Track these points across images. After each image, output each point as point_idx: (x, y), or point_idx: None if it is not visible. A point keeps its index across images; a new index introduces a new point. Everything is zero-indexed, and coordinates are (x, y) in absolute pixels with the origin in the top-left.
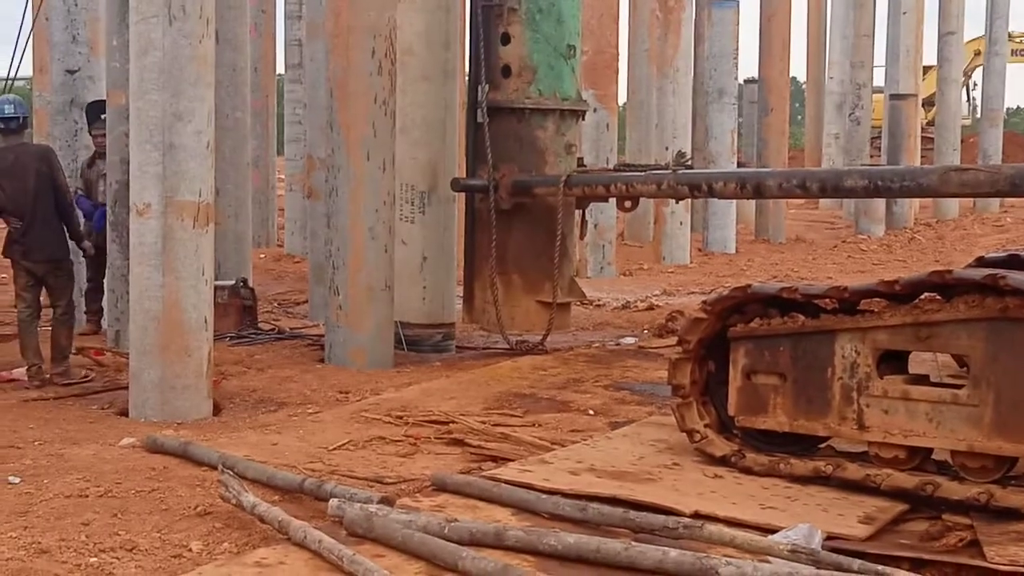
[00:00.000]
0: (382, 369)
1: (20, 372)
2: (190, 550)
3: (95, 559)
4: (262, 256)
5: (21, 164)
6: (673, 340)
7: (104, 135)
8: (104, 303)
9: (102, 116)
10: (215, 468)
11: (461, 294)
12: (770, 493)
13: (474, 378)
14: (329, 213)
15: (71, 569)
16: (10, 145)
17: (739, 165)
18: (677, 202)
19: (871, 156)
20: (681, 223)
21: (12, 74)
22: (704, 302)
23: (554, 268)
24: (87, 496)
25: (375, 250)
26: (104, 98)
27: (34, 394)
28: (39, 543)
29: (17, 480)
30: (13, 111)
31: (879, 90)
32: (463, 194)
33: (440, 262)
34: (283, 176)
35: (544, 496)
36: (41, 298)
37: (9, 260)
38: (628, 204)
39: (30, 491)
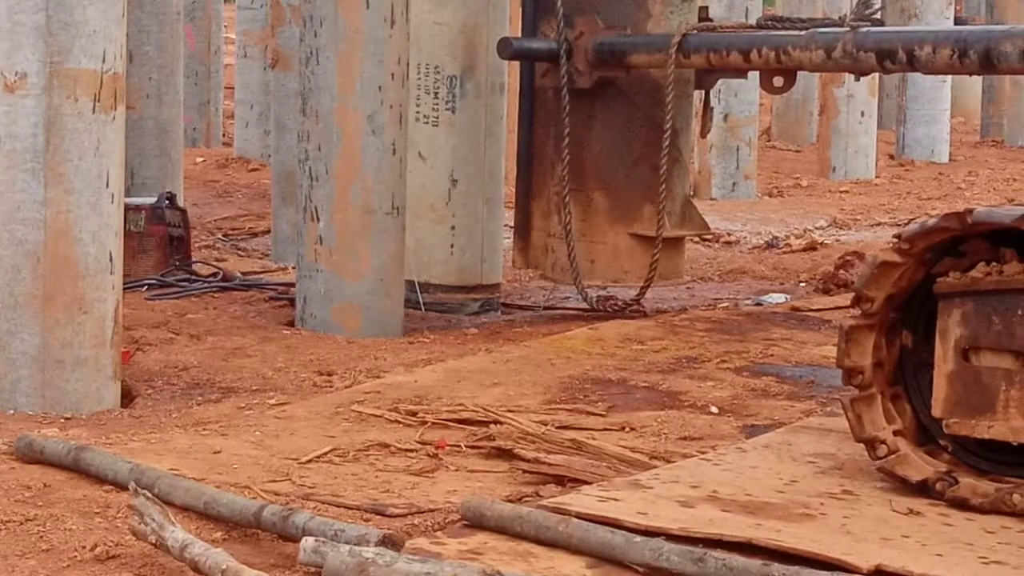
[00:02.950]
0: (386, 338)
1: None
2: None
3: None
4: (200, 160)
5: None
6: (847, 297)
7: None
8: None
9: None
10: (124, 487)
11: (511, 224)
12: (997, 540)
13: (529, 354)
14: (305, 92)
15: None
16: None
17: (957, 22)
18: (857, 79)
19: None
20: (863, 114)
21: None
22: (897, 237)
23: (659, 183)
24: None
25: (377, 151)
26: None
27: None
28: None
29: None
30: None
31: None
32: (515, 69)
33: (478, 188)
34: (232, 35)
35: (638, 539)
36: None
37: None
38: (779, 81)
39: None
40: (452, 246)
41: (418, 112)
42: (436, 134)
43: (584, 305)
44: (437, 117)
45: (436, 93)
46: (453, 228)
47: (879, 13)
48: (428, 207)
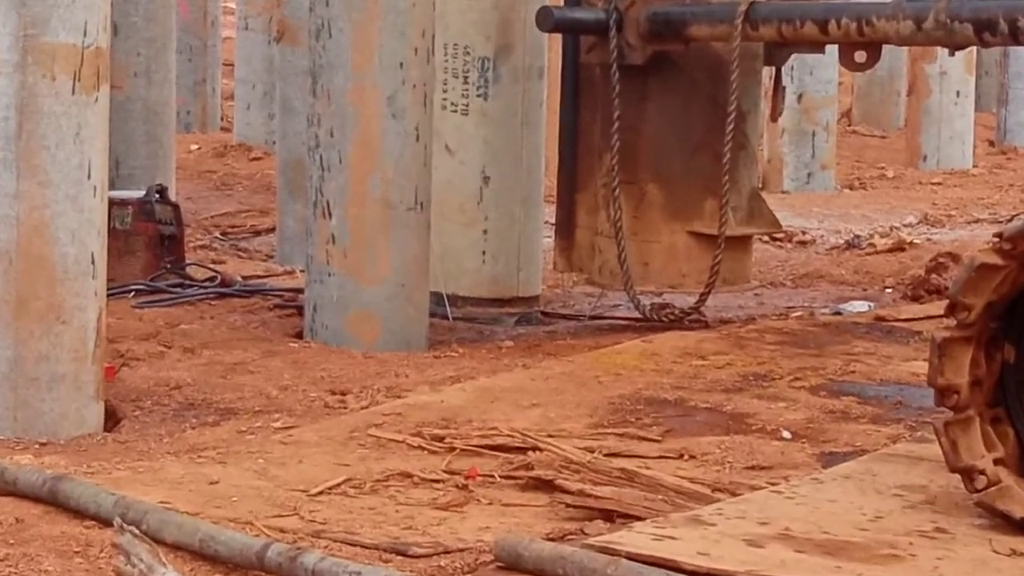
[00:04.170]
0: (408, 351)
1: None
2: None
3: None
4: (195, 147)
5: None
6: (940, 305)
7: None
8: None
9: None
10: (108, 523)
11: (552, 222)
12: None
13: (573, 371)
14: (316, 69)
15: None
16: None
17: None
18: (952, 54)
19: None
20: (958, 95)
21: None
22: (998, 236)
23: (722, 174)
24: None
25: (398, 136)
26: None
27: None
28: None
29: None
30: None
31: None
32: (557, 44)
33: (514, 185)
34: (232, 4)
35: None
36: None
37: None
38: (861, 57)
39: None
40: (484, 253)
41: (445, 99)
42: (465, 124)
43: (636, 314)
44: (467, 105)
45: (466, 77)
46: (485, 232)
47: None
48: (456, 208)
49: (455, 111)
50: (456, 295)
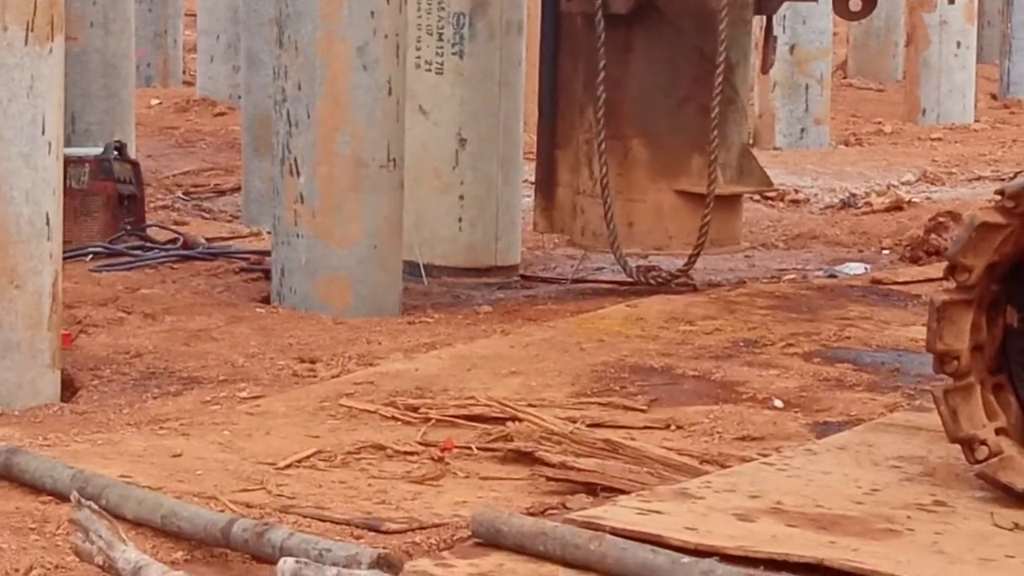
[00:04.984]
0: (381, 317)
1: None
2: None
3: None
4: (155, 102)
5: None
6: (939, 267)
7: None
8: None
9: None
10: (65, 498)
11: (531, 180)
12: None
13: (554, 337)
14: (282, 18)
15: None
16: None
17: None
18: (951, 1)
19: None
20: (959, 45)
21: None
22: (1000, 194)
23: (710, 129)
24: None
25: (369, 90)
26: None
27: None
28: None
29: None
30: None
31: None
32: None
33: (492, 148)
34: None
35: (687, 560)
36: None
37: None
38: (856, 5)
39: None
40: (460, 220)
41: (418, 58)
42: (440, 84)
43: (620, 277)
44: (441, 63)
45: (440, 34)
46: (461, 198)
47: None
48: (431, 172)
49: (429, 70)
50: (431, 264)
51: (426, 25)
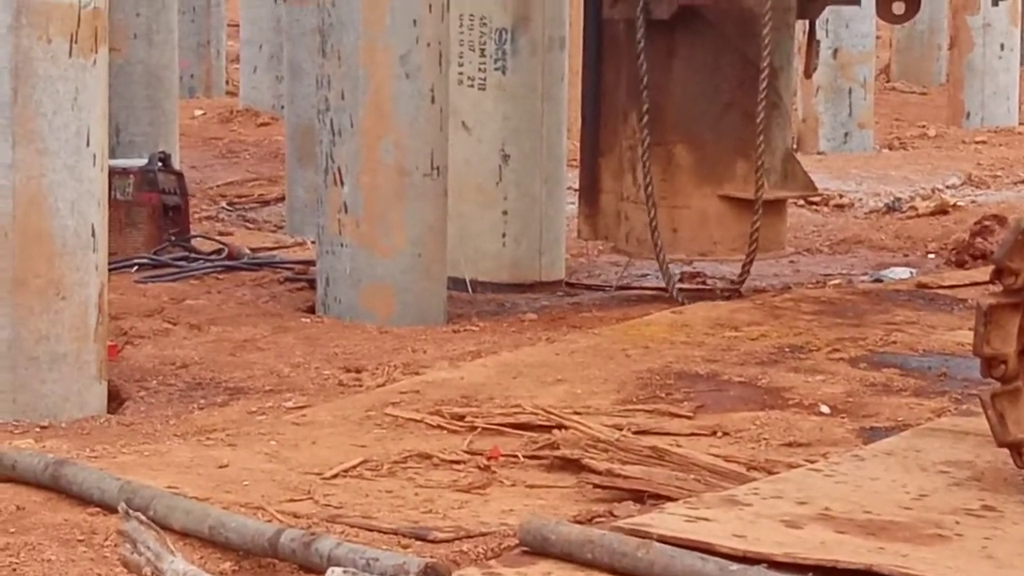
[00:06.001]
0: (425, 326)
1: None
2: None
3: None
4: (199, 113)
5: None
6: (985, 271)
7: None
8: None
9: None
10: (113, 509)
11: (575, 187)
12: None
13: (599, 344)
14: (325, 28)
15: None
16: None
17: None
18: (995, 3)
19: None
20: (1003, 48)
21: None
22: None
23: (755, 134)
24: None
25: (412, 98)
26: None
27: None
28: None
29: None
30: None
31: None
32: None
33: (535, 164)
34: None
35: (735, 567)
36: None
37: None
38: (899, 8)
39: None
40: (504, 235)
41: (461, 73)
42: (483, 99)
43: (665, 285)
44: (484, 79)
45: (482, 50)
46: (505, 213)
47: None
48: (474, 188)
49: (471, 86)
50: (475, 280)
51: (468, 41)
